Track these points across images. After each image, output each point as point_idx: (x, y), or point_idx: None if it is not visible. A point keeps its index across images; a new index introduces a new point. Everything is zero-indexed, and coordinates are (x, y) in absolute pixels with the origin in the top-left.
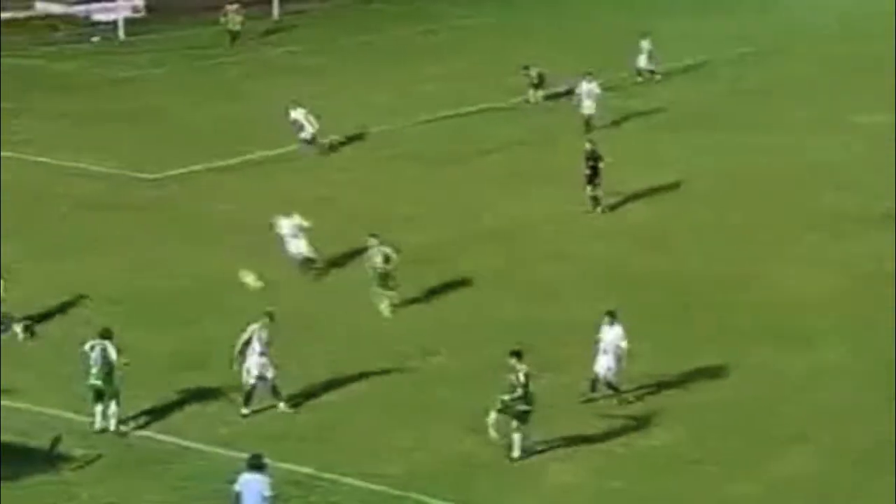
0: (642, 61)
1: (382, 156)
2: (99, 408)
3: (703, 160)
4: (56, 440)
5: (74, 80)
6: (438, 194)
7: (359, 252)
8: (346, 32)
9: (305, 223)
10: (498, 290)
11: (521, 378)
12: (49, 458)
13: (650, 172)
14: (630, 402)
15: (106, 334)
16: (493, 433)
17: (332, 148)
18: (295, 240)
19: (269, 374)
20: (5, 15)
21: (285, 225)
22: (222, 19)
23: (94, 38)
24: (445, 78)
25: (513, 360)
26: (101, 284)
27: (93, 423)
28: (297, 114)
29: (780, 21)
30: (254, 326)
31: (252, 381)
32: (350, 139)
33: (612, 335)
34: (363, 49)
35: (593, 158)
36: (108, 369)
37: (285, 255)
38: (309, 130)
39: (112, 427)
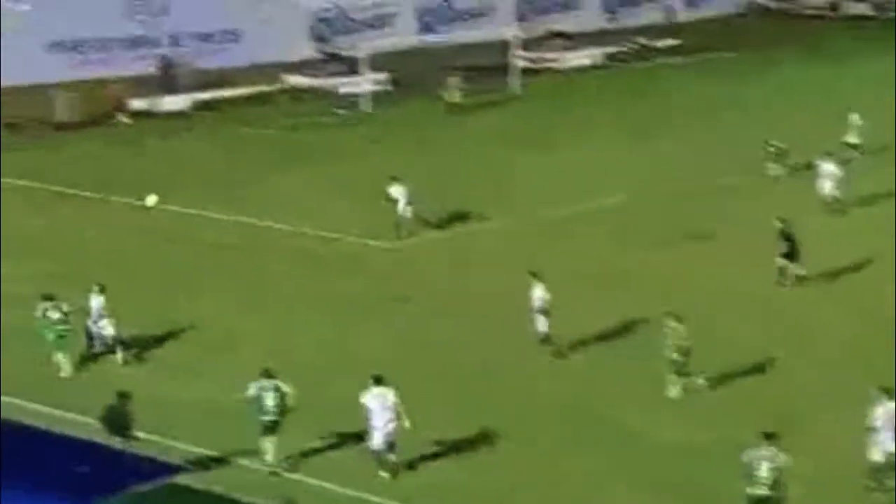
0: (851, 137)
1: (604, 230)
2: (270, 444)
3: None
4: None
5: (318, 151)
6: (655, 271)
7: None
8: (582, 105)
9: (548, 296)
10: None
11: (757, 465)
12: None
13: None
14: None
15: (271, 374)
16: None
17: (438, 225)
18: (541, 314)
19: (376, 442)
20: (253, 88)
21: (536, 297)
22: (445, 93)
23: (339, 111)
24: (678, 151)
25: (761, 441)
26: (319, 343)
27: (266, 459)
28: (396, 190)
29: None
30: (365, 395)
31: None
32: (573, 214)
33: (884, 413)
34: (594, 122)
35: (787, 237)
36: (282, 407)
37: (531, 326)
38: (403, 207)
39: (270, 458)
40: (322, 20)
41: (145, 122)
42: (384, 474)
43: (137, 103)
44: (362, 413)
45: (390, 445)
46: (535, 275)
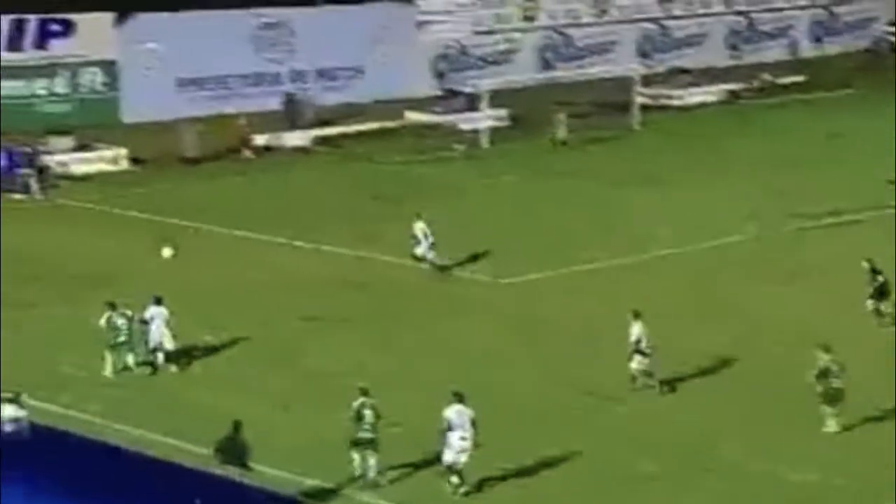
0: None
1: (720, 267)
2: (358, 457)
3: None
4: None
5: (434, 187)
6: (770, 307)
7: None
8: (701, 142)
9: (645, 335)
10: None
11: None
12: None
13: None
14: None
15: (366, 393)
16: None
17: (445, 269)
18: (637, 353)
19: (449, 456)
20: (374, 124)
21: (635, 333)
22: (556, 130)
23: (458, 146)
24: (797, 187)
25: None
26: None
27: (354, 471)
28: (417, 228)
29: None
30: (447, 410)
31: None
32: (687, 252)
33: None
34: (711, 159)
35: (874, 274)
36: (375, 425)
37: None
38: (424, 246)
39: (372, 475)
40: (443, 57)
41: (269, 158)
42: (462, 487)
43: (261, 139)
44: (441, 426)
45: (460, 462)
46: (636, 314)
